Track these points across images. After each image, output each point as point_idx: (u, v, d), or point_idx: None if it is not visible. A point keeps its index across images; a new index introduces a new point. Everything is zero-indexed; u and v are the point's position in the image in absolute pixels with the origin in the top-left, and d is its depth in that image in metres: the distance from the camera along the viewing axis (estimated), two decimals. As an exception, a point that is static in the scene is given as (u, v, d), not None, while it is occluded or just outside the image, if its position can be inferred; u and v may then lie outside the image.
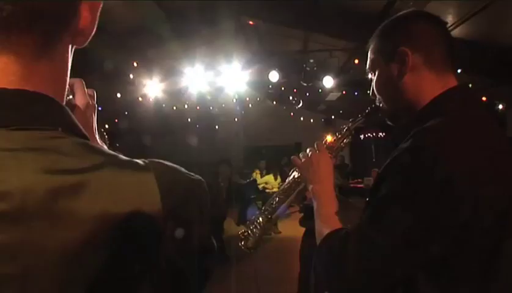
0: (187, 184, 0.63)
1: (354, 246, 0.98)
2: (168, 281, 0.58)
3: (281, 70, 7.13)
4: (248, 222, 1.51)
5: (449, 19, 5.33)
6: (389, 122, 1.25)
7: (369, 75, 1.25)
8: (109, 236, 0.50)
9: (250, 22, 6.53)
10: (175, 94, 8.31)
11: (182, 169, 0.66)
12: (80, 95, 0.85)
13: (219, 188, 8.11)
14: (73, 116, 0.60)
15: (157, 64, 6.83)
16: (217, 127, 13.23)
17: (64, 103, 0.63)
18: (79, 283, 0.48)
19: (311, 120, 12.49)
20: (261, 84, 8.58)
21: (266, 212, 1.49)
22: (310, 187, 1.30)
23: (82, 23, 0.60)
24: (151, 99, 7.51)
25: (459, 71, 6.02)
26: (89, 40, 0.63)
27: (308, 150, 1.37)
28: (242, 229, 1.52)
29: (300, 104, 10.23)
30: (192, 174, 0.66)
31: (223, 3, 5.75)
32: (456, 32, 5.53)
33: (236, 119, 12.75)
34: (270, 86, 8.58)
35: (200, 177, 0.67)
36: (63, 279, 0.48)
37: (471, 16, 5.05)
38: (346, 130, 1.43)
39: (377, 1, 5.24)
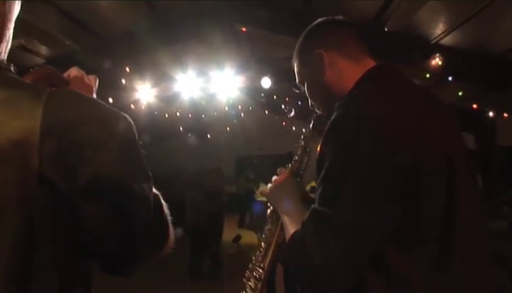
0: (94, 110, 0.64)
1: (312, 230, 0.97)
2: (52, 202, 0.58)
3: (273, 77, 7.17)
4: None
5: (440, 27, 5.41)
6: None
7: (303, 89, 1.32)
8: None
9: (243, 29, 6.57)
10: (167, 101, 8.32)
11: (101, 102, 0.67)
12: (74, 72, 0.96)
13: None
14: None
15: (150, 70, 6.86)
16: (209, 135, 13.24)
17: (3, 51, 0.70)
18: None
19: (303, 129, 12.51)
20: (253, 91, 8.61)
21: (254, 273, 1.38)
22: (279, 209, 1.31)
23: None
24: (143, 106, 7.53)
25: (450, 78, 6.11)
26: None
27: (273, 178, 1.38)
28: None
29: (292, 113, 10.21)
30: (116, 110, 0.67)
31: (216, 9, 5.80)
32: (446, 40, 5.62)
33: (228, 128, 12.74)
34: (262, 94, 8.60)
35: (125, 115, 0.68)
36: None
37: (461, 24, 5.12)
38: (300, 149, 1.43)
39: (370, 7, 5.30)
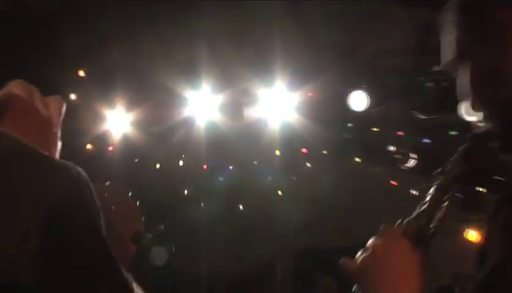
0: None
1: None
2: None
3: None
4: None
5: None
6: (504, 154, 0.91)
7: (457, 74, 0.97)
8: None
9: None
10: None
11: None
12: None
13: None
14: None
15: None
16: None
17: None
18: None
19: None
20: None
21: None
22: None
23: None
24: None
25: None
26: None
27: (370, 242, 0.92)
28: None
29: (412, 162, 7.82)
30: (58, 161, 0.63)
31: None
32: None
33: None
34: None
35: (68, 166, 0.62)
36: None
37: None
38: (432, 199, 0.92)
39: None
